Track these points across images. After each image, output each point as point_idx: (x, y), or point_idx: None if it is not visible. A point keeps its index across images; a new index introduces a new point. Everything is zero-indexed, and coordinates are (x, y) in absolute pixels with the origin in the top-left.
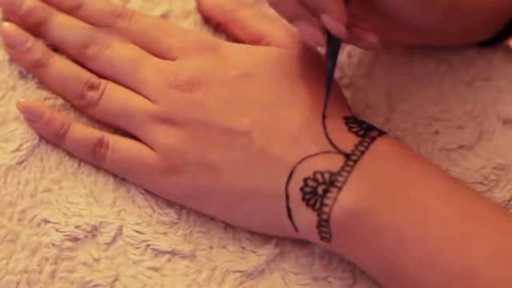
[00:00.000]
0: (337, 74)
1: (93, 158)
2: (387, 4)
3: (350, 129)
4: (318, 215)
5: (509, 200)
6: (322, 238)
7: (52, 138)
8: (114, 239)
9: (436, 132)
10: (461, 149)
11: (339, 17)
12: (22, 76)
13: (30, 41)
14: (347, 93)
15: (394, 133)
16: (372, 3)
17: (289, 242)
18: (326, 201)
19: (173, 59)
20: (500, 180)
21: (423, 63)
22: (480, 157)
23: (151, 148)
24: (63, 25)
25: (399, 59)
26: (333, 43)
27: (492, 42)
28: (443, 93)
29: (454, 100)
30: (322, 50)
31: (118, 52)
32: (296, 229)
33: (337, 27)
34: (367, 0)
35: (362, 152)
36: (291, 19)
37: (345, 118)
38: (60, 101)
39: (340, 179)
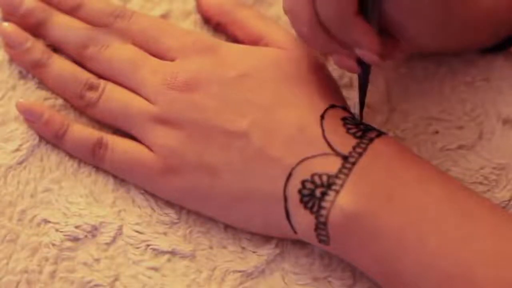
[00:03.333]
0: (336, 73)
1: (92, 159)
2: (404, 28)
3: (348, 130)
4: (316, 217)
5: (509, 200)
6: (320, 241)
7: (52, 138)
8: (114, 239)
9: (436, 132)
10: (461, 149)
11: (374, 50)
12: (22, 76)
13: (30, 41)
14: (347, 93)
15: (394, 133)
16: (388, 28)
17: (289, 242)
18: (324, 204)
19: (172, 60)
20: (500, 180)
21: (423, 63)
22: (480, 157)
23: (149, 149)
24: (63, 25)
25: (399, 59)
26: (365, 66)
27: (493, 49)
28: (443, 94)
29: (454, 101)
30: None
31: (117, 52)
32: (295, 231)
33: (372, 58)
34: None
35: (360, 154)
36: (325, 53)
37: (343, 119)
38: (60, 101)
39: (338, 181)
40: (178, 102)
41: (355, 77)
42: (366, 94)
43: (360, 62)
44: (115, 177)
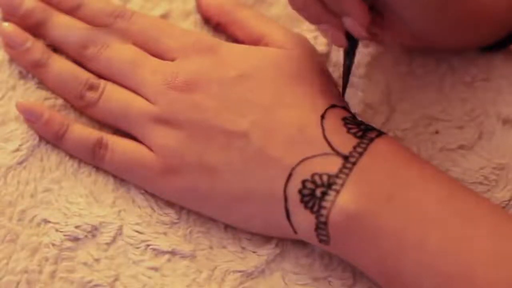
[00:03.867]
0: (336, 74)
1: (92, 159)
2: (398, 10)
3: (348, 130)
4: (316, 217)
5: (509, 200)
6: (320, 241)
7: (52, 138)
8: (114, 239)
9: (436, 132)
10: (461, 149)
11: (362, 22)
12: (22, 76)
13: (30, 41)
14: (347, 93)
15: (394, 133)
16: (382, 7)
17: (289, 242)
18: (324, 203)
19: (172, 60)
20: (500, 180)
21: (423, 63)
22: (480, 157)
23: (150, 149)
24: (63, 25)
25: (399, 59)
26: (352, 42)
27: (493, 47)
28: (443, 93)
29: (454, 100)
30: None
31: (117, 52)
32: (295, 231)
33: (359, 31)
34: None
35: (361, 154)
36: (314, 23)
37: (344, 119)
38: (60, 101)
39: (338, 181)
40: (178, 102)
41: (355, 77)
42: (349, 75)
43: (348, 37)
44: (115, 177)
